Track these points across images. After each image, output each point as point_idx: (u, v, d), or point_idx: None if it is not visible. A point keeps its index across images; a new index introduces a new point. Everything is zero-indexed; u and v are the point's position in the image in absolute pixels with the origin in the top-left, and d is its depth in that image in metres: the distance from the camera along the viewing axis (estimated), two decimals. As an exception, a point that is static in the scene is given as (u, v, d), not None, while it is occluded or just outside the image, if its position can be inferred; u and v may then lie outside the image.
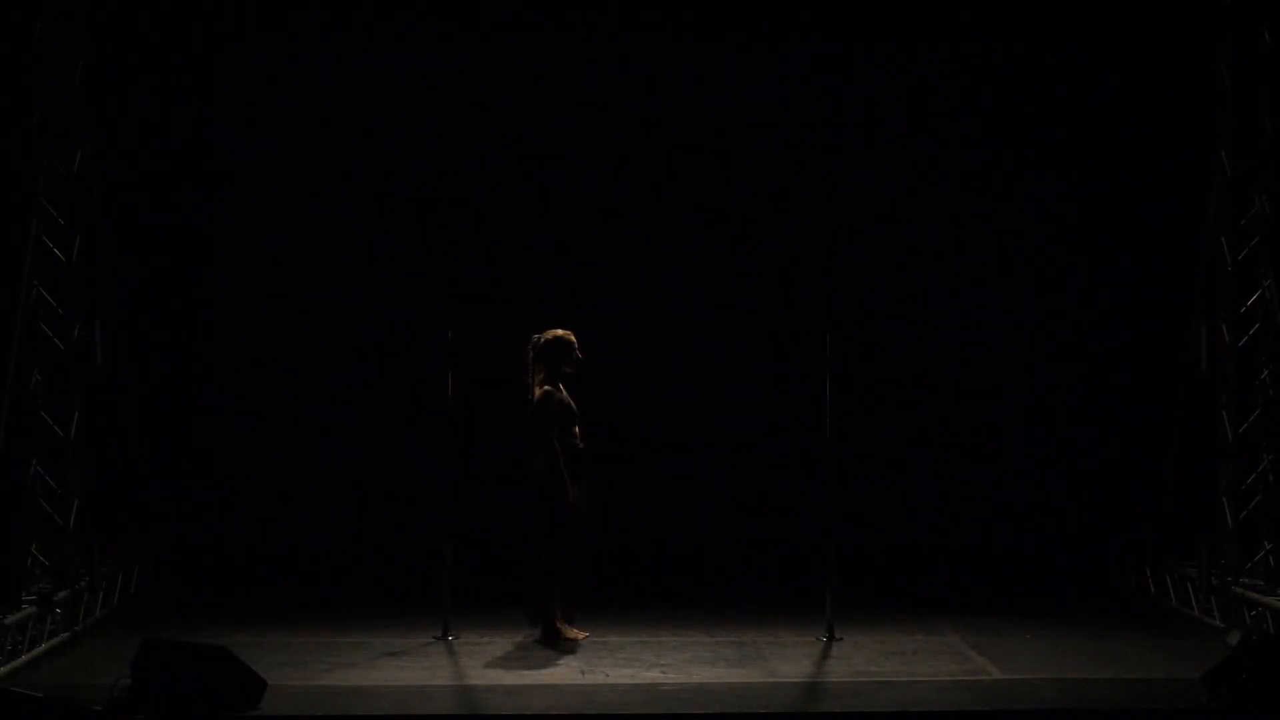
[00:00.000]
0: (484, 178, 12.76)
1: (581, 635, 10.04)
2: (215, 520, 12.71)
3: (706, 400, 12.89)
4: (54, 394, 10.45)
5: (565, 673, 9.21)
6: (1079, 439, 12.94)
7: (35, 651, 9.56)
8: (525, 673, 9.19)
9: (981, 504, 12.85)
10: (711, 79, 12.95)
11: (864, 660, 9.56)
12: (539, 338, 9.99)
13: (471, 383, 10.87)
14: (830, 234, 12.86)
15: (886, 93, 12.89)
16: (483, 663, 9.47)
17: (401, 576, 11.80)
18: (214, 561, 12.48)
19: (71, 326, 10.53)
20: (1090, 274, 12.99)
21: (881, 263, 12.94)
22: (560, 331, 10.00)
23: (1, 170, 10.43)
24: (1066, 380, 12.98)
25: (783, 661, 9.53)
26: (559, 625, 9.99)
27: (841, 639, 10.04)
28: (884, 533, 12.75)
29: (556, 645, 9.88)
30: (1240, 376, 10.59)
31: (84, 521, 10.54)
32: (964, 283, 12.99)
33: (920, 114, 12.94)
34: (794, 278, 12.84)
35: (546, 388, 9.88)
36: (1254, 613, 10.04)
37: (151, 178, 12.59)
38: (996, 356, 12.95)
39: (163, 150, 12.65)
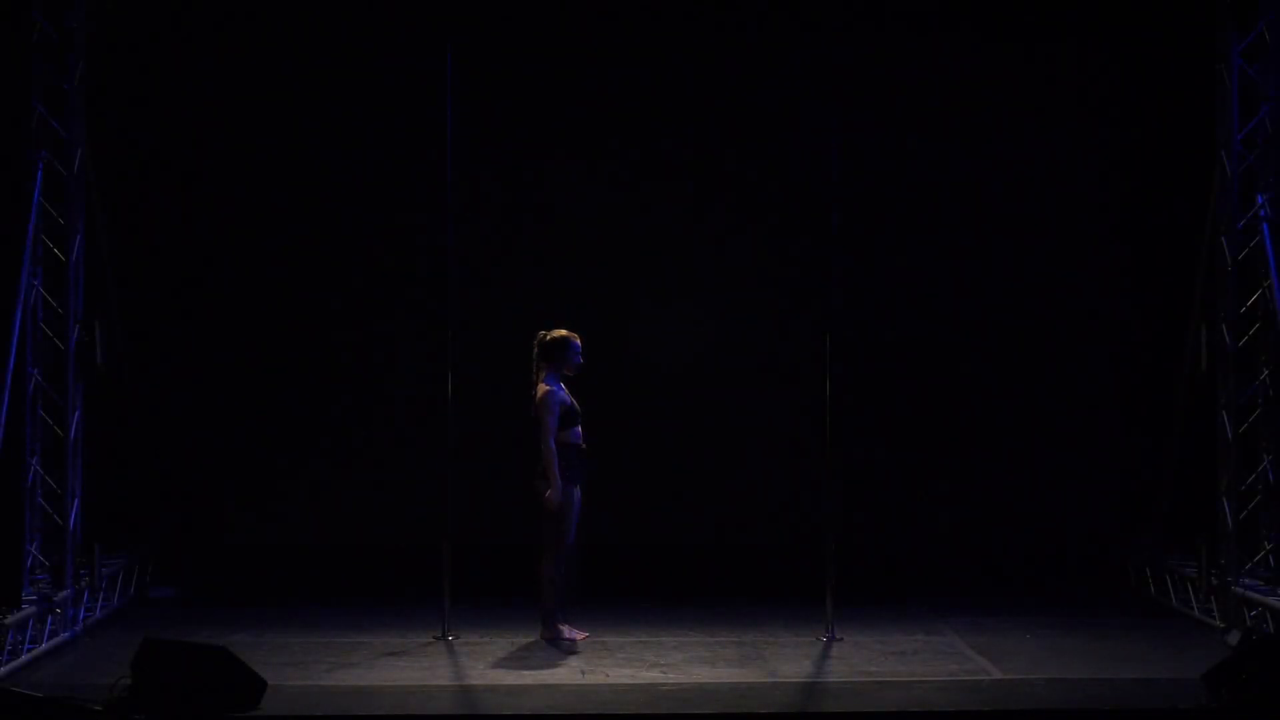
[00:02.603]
0: (485, 177, 12.74)
1: (581, 636, 10.03)
2: (215, 520, 12.71)
3: (707, 399, 12.88)
4: (54, 394, 10.46)
5: (565, 673, 9.21)
6: (1079, 439, 12.93)
7: (35, 651, 9.56)
8: (525, 673, 9.19)
9: (982, 504, 12.85)
10: (712, 75, 12.94)
11: (864, 660, 9.56)
12: (544, 334, 10.02)
13: (472, 382, 10.88)
14: (830, 232, 12.85)
15: (886, 91, 12.88)
16: (483, 663, 9.47)
17: (401, 576, 11.80)
18: (214, 562, 12.48)
19: (71, 326, 10.53)
20: (1090, 274, 12.99)
21: (882, 263, 12.93)
22: (564, 331, 10.02)
23: (1, 170, 10.44)
24: (1066, 380, 12.98)
25: (783, 661, 9.53)
26: (559, 625, 9.99)
27: (841, 639, 10.03)
28: (884, 533, 12.75)
29: (557, 645, 9.88)
30: (1240, 376, 10.58)
31: (84, 521, 10.54)
32: (964, 282, 12.99)
33: (920, 112, 12.94)
34: (795, 277, 12.82)
35: (548, 387, 9.89)
36: (1254, 613, 10.04)
37: (151, 178, 12.59)
38: (997, 356, 12.95)
39: (162, 150, 12.65)
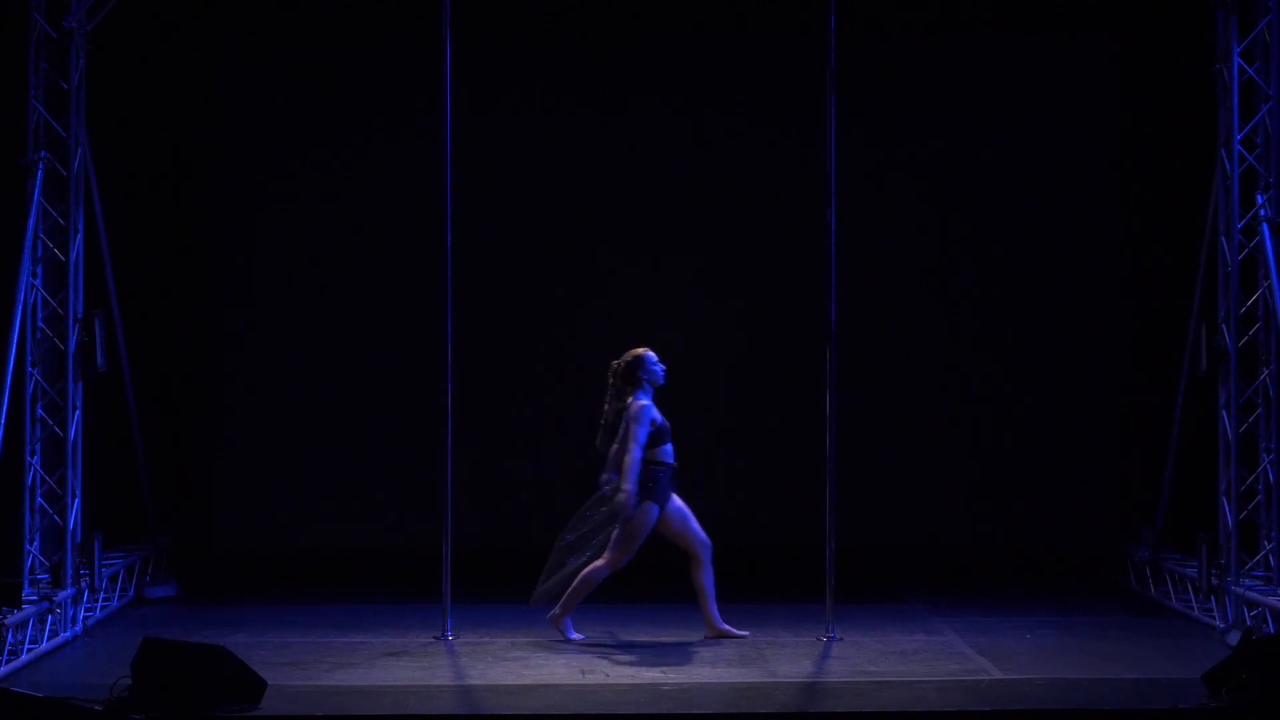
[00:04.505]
0: (486, 175, 12.74)
1: (578, 638, 10.02)
2: (215, 520, 12.72)
3: (707, 399, 12.88)
4: (54, 394, 10.46)
5: (565, 673, 9.21)
6: (1079, 439, 12.94)
7: (35, 651, 9.56)
8: (525, 673, 9.19)
9: (982, 503, 12.86)
10: (712, 74, 12.96)
11: (864, 660, 9.56)
12: (618, 363, 10.01)
13: (472, 382, 10.87)
14: (830, 231, 12.85)
15: (885, 89, 12.89)
16: (483, 663, 9.47)
17: (401, 576, 11.80)
18: (214, 561, 12.48)
19: (71, 326, 10.53)
20: (1091, 274, 13.00)
21: (882, 262, 12.95)
22: (637, 350, 10.01)
23: (2, 171, 10.44)
24: (1067, 380, 12.99)
25: (783, 661, 9.53)
26: (558, 625, 10.01)
27: (841, 639, 10.03)
28: (884, 533, 12.76)
29: (559, 639, 9.90)
30: (1240, 376, 10.59)
31: (84, 522, 10.54)
32: (965, 282, 13.00)
33: (919, 110, 12.95)
34: (795, 276, 12.83)
35: (643, 401, 9.88)
36: (1254, 613, 10.04)
37: (151, 178, 12.60)
38: (997, 356, 12.96)
39: (162, 150, 12.65)
